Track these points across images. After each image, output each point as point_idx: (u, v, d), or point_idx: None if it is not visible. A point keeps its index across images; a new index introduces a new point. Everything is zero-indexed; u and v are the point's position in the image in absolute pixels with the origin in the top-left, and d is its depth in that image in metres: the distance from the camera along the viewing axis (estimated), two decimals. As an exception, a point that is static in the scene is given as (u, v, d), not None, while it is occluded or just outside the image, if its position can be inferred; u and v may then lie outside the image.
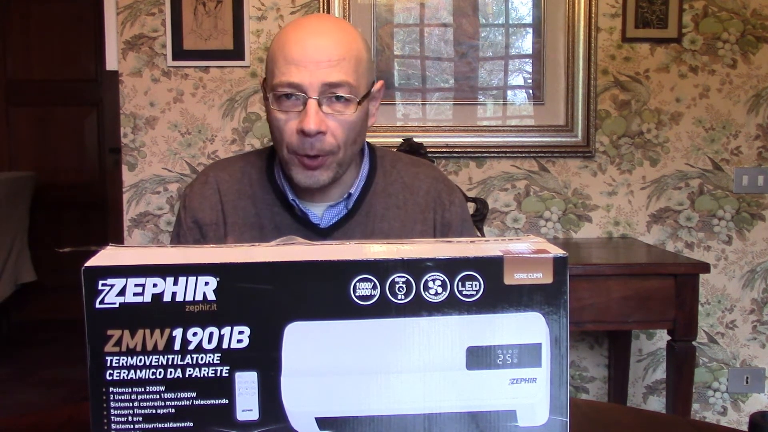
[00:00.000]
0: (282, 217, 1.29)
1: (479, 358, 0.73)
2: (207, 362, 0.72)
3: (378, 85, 1.28)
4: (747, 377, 2.83)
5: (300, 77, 1.16)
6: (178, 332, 0.71)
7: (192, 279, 0.70)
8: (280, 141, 1.22)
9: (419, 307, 0.72)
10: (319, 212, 1.29)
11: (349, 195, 1.29)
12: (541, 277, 0.73)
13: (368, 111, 1.26)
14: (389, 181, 1.33)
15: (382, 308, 0.72)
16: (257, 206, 1.30)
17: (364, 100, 1.20)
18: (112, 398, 0.71)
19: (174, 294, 0.71)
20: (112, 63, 2.69)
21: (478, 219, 2.46)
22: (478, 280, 0.72)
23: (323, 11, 2.63)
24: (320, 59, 1.16)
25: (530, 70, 2.74)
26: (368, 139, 1.38)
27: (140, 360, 0.71)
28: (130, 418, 0.72)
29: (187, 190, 1.36)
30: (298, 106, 1.18)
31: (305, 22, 1.24)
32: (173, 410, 0.72)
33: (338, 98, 1.18)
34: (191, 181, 1.47)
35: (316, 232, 1.28)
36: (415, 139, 2.47)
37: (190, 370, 0.72)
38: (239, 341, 0.72)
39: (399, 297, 0.72)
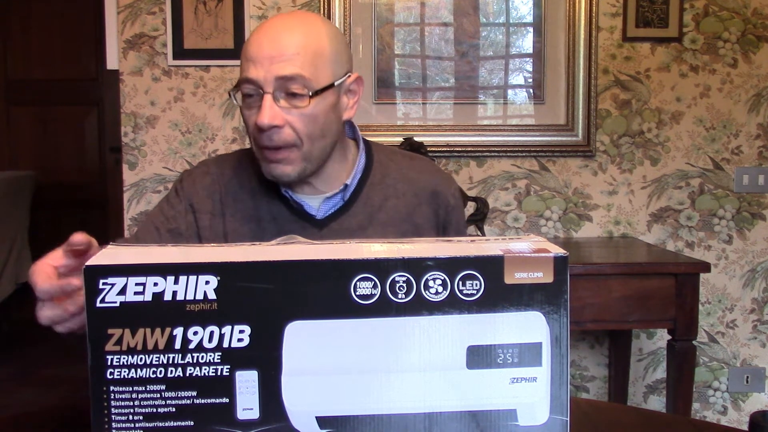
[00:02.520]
0: (279, 209, 1.30)
1: (480, 357, 0.73)
2: (207, 361, 0.72)
3: (352, 77, 1.27)
4: (747, 377, 2.83)
5: (255, 73, 1.18)
6: (178, 331, 0.71)
7: (192, 278, 0.71)
8: (250, 136, 1.26)
9: (420, 307, 0.72)
10: (315, 204, 1.30)
11: (346, 186, 1.30)
12: (542, 276, 0.73)
13: (338, 104, 1.26)
14: (386, 172, 1.34)
15: (383, 307, 0.72)
16: (255, 199, 1.32)
17: (321, 93, 1.21)
18: (112, 397, 0.72)
19: (175, 293, 0.71)
20: (112, 62, 2.69)
21: (479, 218, 2.46)
22: (478, 279, 0.72)
23: (323, 10, 2.63)
24: (273, 54, 1.18)
25: (531, 69, 2.74)
26: (369, 138, 1.38)
27: (141, 359, 0.71)
28: (130, 417, 0.72)
29: (185, 175, 1.37)
30: (258, 101, 1.20)
31: (269, 20, 1.26)
32: (174, 409, 0.72)
33: (294, 92, 1.19)
34: (191, 168, 1.47)
35: (313, 224, 1.29)
36: (416, 139, 2.47)
37: (190, 369, 0.72)
38: (240, 340, 0.72)
39: (399, 296, 0.72)
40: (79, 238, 0.90)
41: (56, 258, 0.93)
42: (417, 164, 1.38)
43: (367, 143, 1.37)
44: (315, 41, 1.21)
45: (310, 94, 1.19)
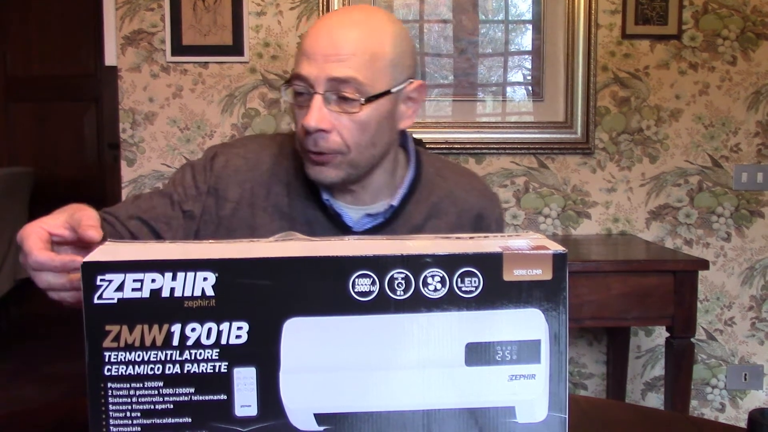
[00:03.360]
0: (315, 213, 1.21)
1: (478, 354, 0.73)
2: (205, 358, 0.72)
3: (413, 85, 1.18)
4: (745, 374, 2.83)
5: (308, 70, 1.10)
6: (176, 328, 0.71)
7: (191, 274, 0.70)
8: (296, 135, 1.17)
9: (418, 303, 0.72)
10: (354, 216, 1.22)
11: (391, 206, 1.22)
12: (541, 273, 0.73)
13: (394, 112, 1.16)
14: (432, 188, 1.26)
15: (381, 304, 0.72)
16: (291, 196, 1.22)
17: (375, 99, 1.12)
18: (110, 394, 0.71)
19: (172, 289, 0.70)
20: (111, 58, 2.68)
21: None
22: (477, 276, 0.72)
23: (322, 6, 2.62)
24: (328, 52, 1.09)
25: (530, 66, 2.73)
26: None
27: (138, 355, 0.71)
28: (128, 414, 0.72)
29: (219, 152, 1.26)
30: (308, 101, 1.12)
31: (332, 13, 1.19)
32: (172, 406, 0.72)
33: (345, 96, 1.11)
34: (225, 142, 1.38)
35: (349, 235, 1.20)
36: (415, 136, 2.47)
37: (188, 366, 0.72)
38: (238, 337, 0.71)
39: (398, 293, 0.72)
40: (94, 235, 0.88)
41: (53, 226, 0.91)
42: (465, 182, 1.30)
43: (417, 154, 1.28)
44: (376, 42, 1.12)
45: (363, 100, 1.11)
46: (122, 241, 0.82)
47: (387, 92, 1.13)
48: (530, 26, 2.72)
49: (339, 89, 1.10)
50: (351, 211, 1.22)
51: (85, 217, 0.91)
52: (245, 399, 0.72)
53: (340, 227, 1.21)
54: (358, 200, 1.22)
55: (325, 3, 2.62)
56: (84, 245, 0.91)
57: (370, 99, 1.11)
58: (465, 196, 1.27)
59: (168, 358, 0.71)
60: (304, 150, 1.15)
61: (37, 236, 0.89)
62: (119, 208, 1.21)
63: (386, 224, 1.22)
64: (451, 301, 0.72)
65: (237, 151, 1.25)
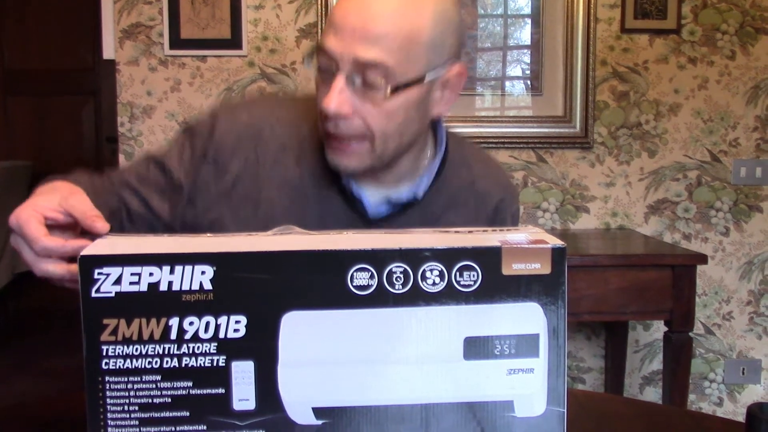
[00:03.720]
0: (329, 193, 1.10)
1: (477, 348, 0.73)
2: (203, 351, 0.71)
3: (453, 70, 1.04)
4: (743, 368, 2.84)
5: (334, 45, 0.98)
6: (174, 321, 0.71)
7: (188, 268, 0.70)
8: (318, 112, 1.05)
9: (417, 297, 0.72)
10: (374, 200, 1.11)
11: (414, 195, 1.12)
12: (540, 267, 0.73)
13: (427, 99, 1.04)
14: (455, 176, 1.16)
15: (380, 298, 0.72)
16: (302, 168, 1.11)
17: (406, 88, 0.99)
18: (108, 387, 0.71)
19: (170, 283, 0.70)
20: (109, 52, 2.68)
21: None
22: (475, 270, 0.72)
23: (320, 2, 2.61)
24: (357, 27, 0.96)
25: (528, 60, 2.73)
26: None
27: (136, 349, 0.71)
28: (126, 408, 0.72)
29: (221, 113, 1.14)
30: (331, 79, 0.99)
31: None
32: (169, 399, 0.72)
33: (372, 81, 0.98)
34: (229, 103, 1.24)
35: (364, 221, 1.11)
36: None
37: (186, 360, 0.71)
38: (236, 331, 0.71)
39: (396, 287, 0.72)
40: (101, 227, 0.85)
41: (48, 209, 0.88)
42: (490, 173, 1.22)
43: (445, 140, 1.17)
44: (413, 21, 0.97)
45: (390, 89, 0.98)
46: (120, 234, 0.82)
47: (420, 79, 1.00)
48: (529, 20, 2.72)
49: (365, 72, 0.97)
50: (371, 195, 1.11)
51: (86, 206, 0.89)
52: (243, 393, 0.72)
53: (355, 210, 1.11)
54: (380, 182, 1.11)
55: (323, -4, 2.62)
56: (80, 230, 0.89)
57: (399, 88, 0.99)
58: (487, 188, 1.19)
59: (166, 352, 0.71)
60: (325, 132, 1.04)
61: (37, 221, 0.86)
62: (119, 174, 1.16)
63: (403, 210, 1.13)
64: (450, 295, 0.72)
65: (241, 114, 1.13)
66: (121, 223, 1.12)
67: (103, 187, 1.12)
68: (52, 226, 0.89)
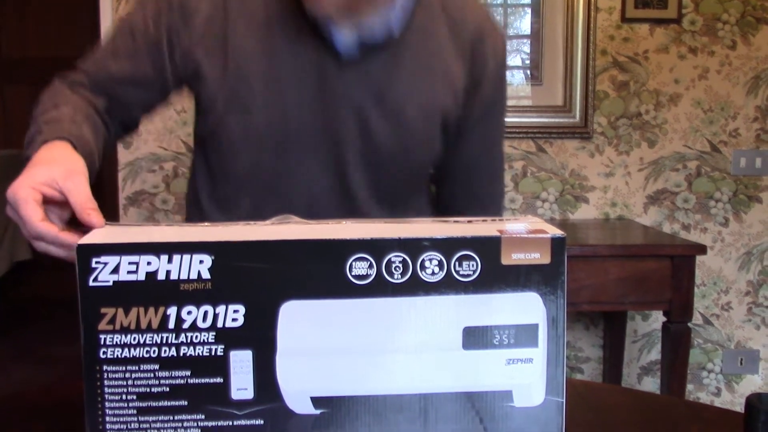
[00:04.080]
0: (299, 31, 1.08)
1: (476, 338, 0.73)
2: (201, 341, 0.71)
3: None
4: (741, 359, 2.84)
5: None
6: (172, 310, 0.71)
7: (186, 257, 0.70)
8: None
9: (416, 287, 0.72)
10: (349, 41, 1.08)
11: (390, 31, 1.09)
12: (539, 257, 0.73)
13: None
14: (430, 16, 1.14)
15: (379, 287, 0.71)
16: (270, 6, 1.10)
17: None
18: (105, 376, 0.71)
19: (168, 272, 0.70)
20: (107, 40, 2.66)
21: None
22: (475, 260, 0.72)
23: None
24: None
25: (528, 50, 2.72)
26: None
27: (134, 338, 0.71)
28: (124, 397, 0.72)
29: None
30: None
31: None
32: (167, 388, 0.72)
33: None
34: None
35: (336, 61, 1.09)
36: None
37: (184, 349, 0.71)
38: (234, 320, 0.71)
39: (395, 276, 0.72)
40: (96, 222, 0.83)
41: (44, 185, 0.86)
42: (468, 7, 1.18)
43: None
44: None
45: None
46: (118, 223, 0.81)
47: None
48: (529, 10, 2.70)
49: None
50: (344, 35, 1.08)
51: (83, 196, 0.88)
52: (241, 382, 0.72)
53: (329, 52, 1.09)
54: (355, 12, 1.06)
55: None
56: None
57: None
58: (461, 17, 1.16)
59: (164, 341, 0.71)
60: None
61: (34, 201, 0.84)
62: (95, 73, 1.20)
63: (376, 52, 1.11)
64: (449, 285, 0.72)
65: None
66: (122, 116, 1.17)
67: (87, 114, 1.12)
68: (49, 201, 0.88)
